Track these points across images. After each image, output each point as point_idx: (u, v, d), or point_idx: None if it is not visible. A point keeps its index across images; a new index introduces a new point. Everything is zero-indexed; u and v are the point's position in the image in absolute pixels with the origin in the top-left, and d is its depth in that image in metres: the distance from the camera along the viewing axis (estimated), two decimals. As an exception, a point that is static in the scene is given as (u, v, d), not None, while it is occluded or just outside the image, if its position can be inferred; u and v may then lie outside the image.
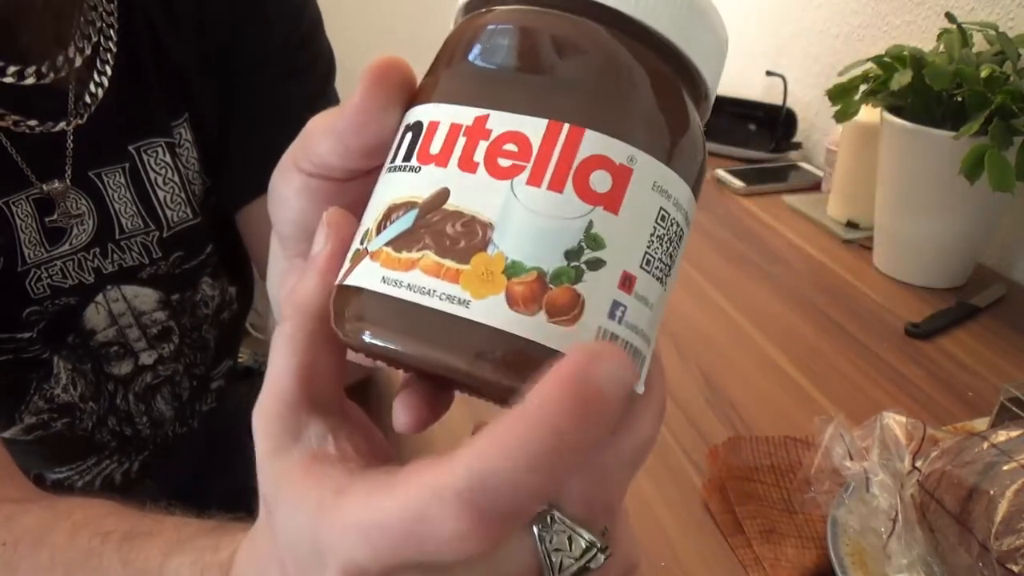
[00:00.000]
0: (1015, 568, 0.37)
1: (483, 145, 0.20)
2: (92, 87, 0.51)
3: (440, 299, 0.19)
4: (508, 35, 0.21)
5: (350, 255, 0.21)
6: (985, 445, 0.43)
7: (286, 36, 0.58)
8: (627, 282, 0.20)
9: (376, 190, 0.22)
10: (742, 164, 1.13)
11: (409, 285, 0.19)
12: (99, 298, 0.54)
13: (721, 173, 1.08)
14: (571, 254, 0.19)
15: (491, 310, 0.18)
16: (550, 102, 0.20)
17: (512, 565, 0.20)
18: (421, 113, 0.21)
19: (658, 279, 0.21)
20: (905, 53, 0.74)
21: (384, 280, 0.19)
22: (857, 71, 0.79)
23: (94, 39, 0.51)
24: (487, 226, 0.19)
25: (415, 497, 0.18)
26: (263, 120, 0.58)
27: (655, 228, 0.20)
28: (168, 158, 0.55)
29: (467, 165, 0.19)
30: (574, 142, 0.19)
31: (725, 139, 1.19)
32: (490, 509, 0.17)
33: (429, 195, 0.20)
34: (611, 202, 0.19)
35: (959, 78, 0.70)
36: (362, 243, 0.21)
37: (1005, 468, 0.41)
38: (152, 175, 0.55)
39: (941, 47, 0.76)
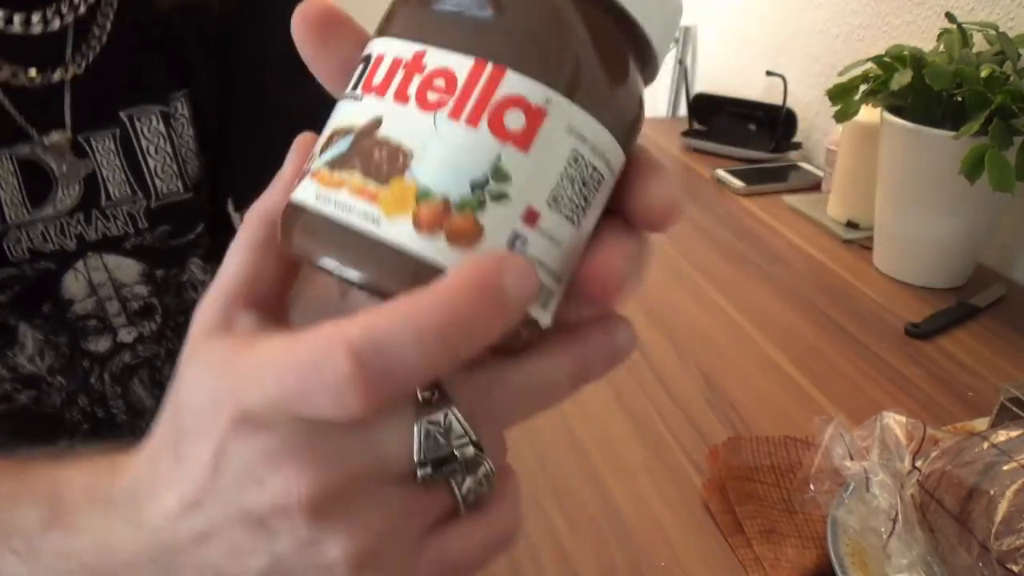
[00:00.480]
0: (1015, 568, 0.37)
1: (416, 79, 0.21)
2: (91, 40, 0.51)
3: (357, 217, 0.21)
4: None
5: (301, 175, 0.23)
6: (985, 445, 0.43)
7: (289, 40, 0.58)
8: (530, 217, 0.21)
9: (330, 116, 0.23)
10: (742, 164, 1.13)
11: (336, 202, 0.21)
12: (79, 265, 0.53)
13: (721, 173, 1.08)
14: (476, 185, 0.20)
15: (398, 230, 0.20)
16: (481, 42, 0.21)
17: (387, 440, 0.21)
18: (373, 46, 0.23)
19: (568, 218, 0.22)
20: (905, 53, 0.74)
21: (317, 197, 0.22)
22: (857, 71, 0.79)
23: None
24: (408, 155, 0.21)
25: (309, 347, 0.20)
26: (264, 122, 0.58)
27: (566, 169, 0.21)
28: (162, 127, 0.54)
29: (401, 97, 0.21)
30: (495, 80, 0.21)
31: (725, 139, 1.19)
32: (376, 369, 0.19)
33: (364, 122, 0.22)
34: (521, 140, 0.21)
35: (959, 78, 0.70)
36: (308, 163, 0.23)
37: (1005, 468, 0.41)
38: (144, 143, 0.54)
39: (941, 47, 0.76)
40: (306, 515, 0.21)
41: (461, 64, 0.21)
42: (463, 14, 0.22)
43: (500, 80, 0.21)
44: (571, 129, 0.21)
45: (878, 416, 0.47)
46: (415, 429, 0.21)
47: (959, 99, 0.73)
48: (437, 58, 0.21)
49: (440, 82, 0.21)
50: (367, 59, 0.23)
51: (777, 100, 1.16)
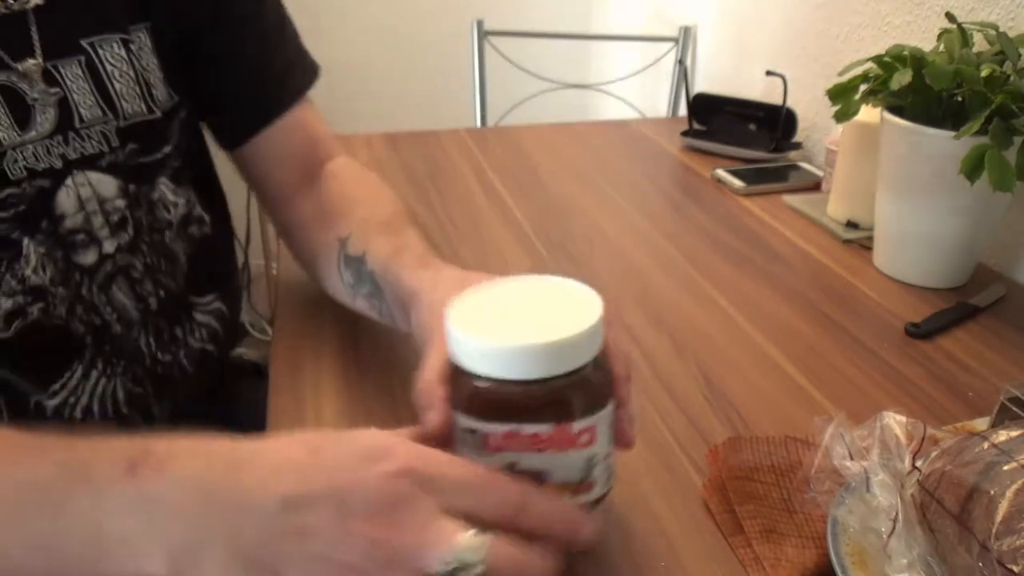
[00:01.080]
0: (1015, 568, 0.37)
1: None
2: None
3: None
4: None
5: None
6: (985, 445, 0.43)
7: None
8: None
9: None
10: (742, 164, 1.13)
11: None
12: (68, 182, 0.58)
13: (721, 173, 1.08)
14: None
15: None
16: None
17: (446, 525, 0.36)
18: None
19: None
20: (905, 53, 0.74)
21: None
22: (857, 71, 0.79)
23: None
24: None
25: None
26: (238, 63, 0.68)
27: (593, 456, 0.44)
28: (123, 52, 0.60)
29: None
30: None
31: (725, 139, 1.19)
32: (527, 504, 0.39)
33: (504, 465, 0.42)
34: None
35: (959, 78, 0.70)
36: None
37: (1005, 468, 0.41)
38: (109, 67, 0.59)
39: (941, 47, 0.76)
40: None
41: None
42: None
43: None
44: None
45: (878, 416, 0.47)
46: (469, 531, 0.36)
47: (959, 99, 0.73)
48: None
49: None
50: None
51: (777, 100, 1.16)
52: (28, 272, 0.57)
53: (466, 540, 0.34)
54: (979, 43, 0.77)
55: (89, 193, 0.59)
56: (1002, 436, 0.43)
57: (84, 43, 0.58)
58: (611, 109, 1.79)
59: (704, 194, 1.04)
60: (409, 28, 2.04)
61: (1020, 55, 0.73)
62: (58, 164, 0.57)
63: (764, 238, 0.91)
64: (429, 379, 0.44)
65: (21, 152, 0.55)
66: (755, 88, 1.33)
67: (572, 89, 1.78)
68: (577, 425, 0.40)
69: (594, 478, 0.43)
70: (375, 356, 0.67)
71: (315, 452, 0.38)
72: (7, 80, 0.54)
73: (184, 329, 0.71)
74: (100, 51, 0.59)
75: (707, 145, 1.19)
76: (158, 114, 0.63)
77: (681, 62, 1.55)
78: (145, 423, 0.68)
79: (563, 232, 0.91)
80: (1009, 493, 0.39)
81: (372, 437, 0.39)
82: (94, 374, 0.63)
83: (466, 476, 0.37)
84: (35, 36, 0.55)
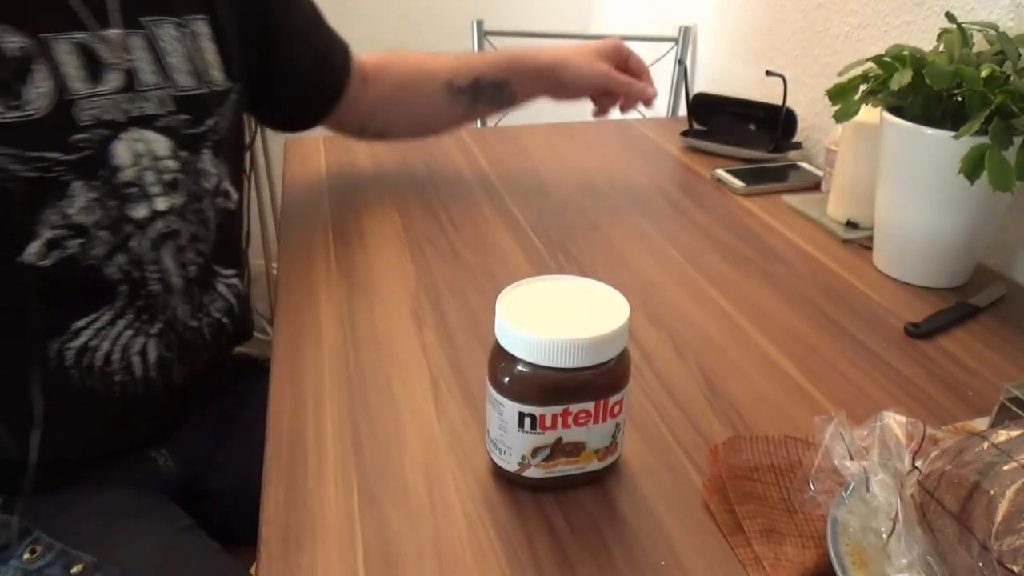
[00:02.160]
0: (1015, 568, 0.37)
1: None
2: None
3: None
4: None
5: (517, 462, 0.51)
6: (985, 445, 0.43)
7: None
8: None
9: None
10: (742, 164, 1.13)
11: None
12: (125, 135, 0.65)
13: (721, 173, 1.08)
14: None
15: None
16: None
17: None
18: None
19: None
20: (905, 53, 0.74)
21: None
22: (857, 71, 0.79)
23: None
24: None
25: None
26: (300, 60, 0.87)
27: None
28: (176, 33, 0.70)
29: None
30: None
31: (725, 139, 1.19)
32: None
33: (553, 440, 0.50)
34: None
35: (959, 78, 0.70)
36: (523, 461, 0.51)
37: (1005, 468, 0.41)
38: (163, 44, 0.69)
39: (941, 47, 0.76)
40: None
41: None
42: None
43: None
44: None
45: (878, 416, 0.47)
46: None
47: (959, 99, 0.73)
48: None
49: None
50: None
51: (777, 100, 1.16)
52: (72, 211, 0.63)
53: None
54: (979, 43, 0.77)
55: (143, 149, 0.67)
56: (1002, 436, 0.43)
57: (144, 20, 0.68)
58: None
59: (704, 194, 1.04)
60: (409, 28, 2.04)
61: (1020, 55, 0.73)
62: (121, 118, 0.65)
63: (764, 238, 0.91)
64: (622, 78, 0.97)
65: (91, 102, 0.63)
66: (755, 88, 1.33)
67: (572, 89, 1.78)
68: (612, 400, 0.49)
69: (619, 441, 0.52)
70: (375, 355, 0.67)
71: None
72: (85, 41, 0.63)
73: (209, 298, 0.77)
74: (156, 29, 0.68)
75: (707, 145, 1.19)
76: (206, 90, 0.72)
77: (681, 62, 1.55)
78: (165, 389, 0.73)
79: (563, 232, 0.91)
80: (1009, 493, 0.39)
81: None
82: (121, 323, 0.68)
83: None
84: (116, 11, 0.65)
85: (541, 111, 1.68)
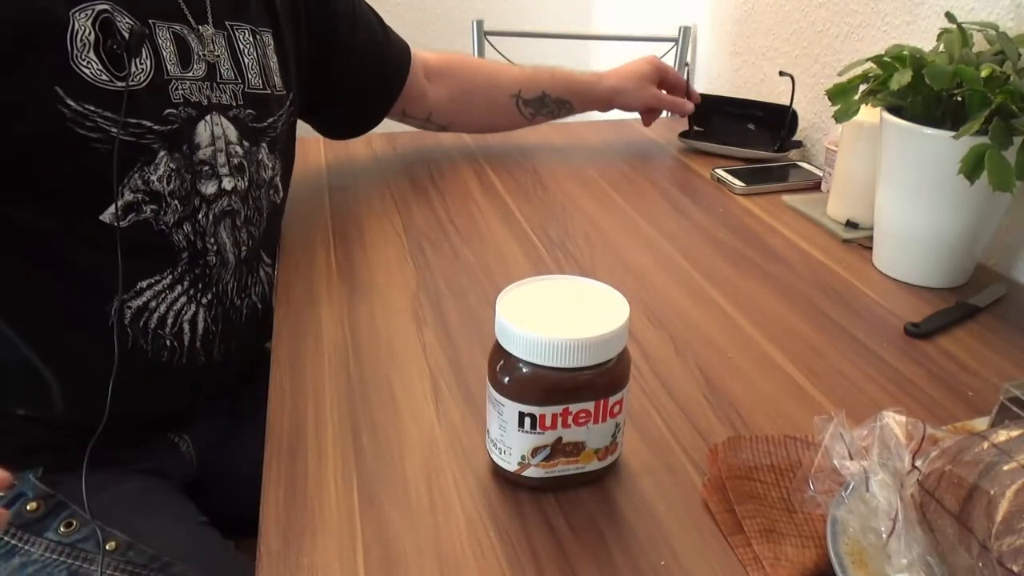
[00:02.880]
0: (1015, 568, 0.37)
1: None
2: None
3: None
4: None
5: (517, 461, 0.51)
6: (985, 445, 0.43)
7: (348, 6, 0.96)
8: None
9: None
10: (742, 164, 1.13)
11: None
12: (207, 118, 0.73)
13: (721, 173, 1.08)
14: None
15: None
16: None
17: None
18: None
19: None
20: (905, 53, 0.74)
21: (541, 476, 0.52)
22: (857, 71, 0.79)
23: None
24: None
25: None
26: (354, 72, 0.98)
27: None
28: (251, 39, 0.79)
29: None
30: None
31: (724, 139, 1.19)
32: None
33: (553, 440, 0.50)
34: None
35: (959, 78, 0.70)
36: (523, 461, 0.51)
37: (1005, 468, 0.41)
38: (240, 46, 0.78)
39: (941, 47, 0.76)
40: None
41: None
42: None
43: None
44: None
45: (878, 416, 0.47)
46: None
47: (959, 99, 0.73)
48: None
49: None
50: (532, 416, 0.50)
51: (776, 100, 1.16)
52: (154, 179, 0.69)
53: None
54: (979, 43, 0.77)
55: (220, 132, 0.74)
56: (1002, 436, 0.43)
57: (228, 23, 0.76)
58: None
59: (704, 194, 1.04)
60: (409, 28, 2.03)
61: (1020, 55, 0.73)
62: (204, 102, 0.72)
63: (764, 238, 0.91)
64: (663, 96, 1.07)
65: (181, 84, 0.70)
66: (755, 88, 1.33)
67: (572, 89, 1.78)
68: (612, 400, 0.50)
69: (619, 441, 0.52)
70: (375, 355, 0.67)
71: None
72: (180, 31, 0.71)
73: (253, 279, 0.82)
74: (236, 32, 0.77)
75: (706, 145, 1.19)
76: (269, 92, 0.80)
77: (681, 62, 1.55)
78: (205, 365, 0.78)
79: (563, 232, 0.91)
80: (1009, 493, 0.39)
81: None
82: (178, 289, 0.73)
83: None
84: (207, 10, 0.74)
85: (541, 111, 1.68)
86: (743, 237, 0.91)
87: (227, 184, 0.75)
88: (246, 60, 0.78)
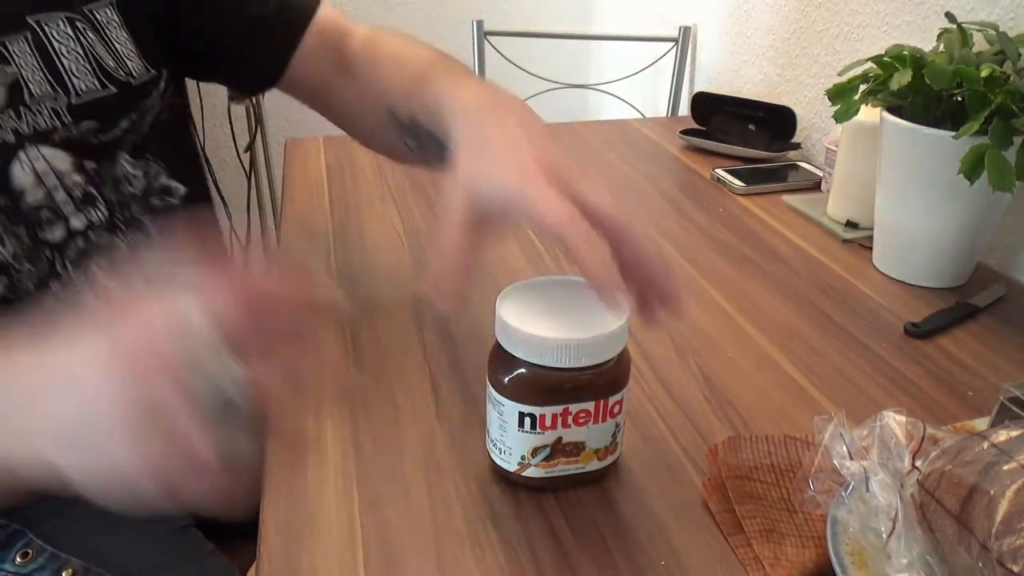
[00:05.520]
0: (1015, 568, 0.37)
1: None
2: None
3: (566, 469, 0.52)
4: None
5: (517, 462, 0.51)
6: (985, 445, 0.43)
7: None
8: None
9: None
10: (742, 164, 1.13)
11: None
12: (22, 156, 0.58)
13: (721, 173, 1.08)
14: None
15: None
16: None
17: None
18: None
19: None
20: (905, 53, 0.74)
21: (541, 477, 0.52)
22: (857, 71, 0.79)
23: None
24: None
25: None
26: (233, 24, 0.71)
27: None
28: (69, 30, 0.60)
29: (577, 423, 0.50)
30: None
31: (725, 138, 1.19)
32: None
33: (553, 440, 0.50)
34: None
35: (959, 78, 0.70)
36: (523, 461, 0.51)
37: (1005, 468, 0.41)
38: (56, 44, 0.59)
39: (941, 47, 0.76)
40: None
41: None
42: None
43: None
44: None
45: (878, 416, 0.47)
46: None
47: (959, 99, 0.73)
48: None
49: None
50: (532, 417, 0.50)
51: (776, 100, 1.16)
52: None
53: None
54: (979, 43, 0.77)
55: (45, 167, 0.59)
56: (1002, 436, 0.43)
57: (30, 20, 0.58)
58: (611, 109, 1.79)
59: (704, 194, 1.04)
60: (409, 28, 2.03)
61: (1020, 55, 0.73)
62: (11, 138, 0.57)
63: (764, 238, 0.91)
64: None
65: None
66: (755, 88, 1.33)
67: (572, 89, 1.78)
68: (612, 400, 0.49)
69: (619, 441, 0.52)
70: (375, 355, 0.67)
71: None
72: None
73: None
74: (46, 27, 0.59)
75: (707, 144, 1.19)
76: (113, 90, 0.63)
77: (681, 61, 1.55)
78: None
79: (563, 232, 0.91)
80: (1009, 493, 0.39)
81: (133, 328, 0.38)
82: None
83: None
84: None
85: (541, 111, 1.68)
86: (743, 237, 0.91)
87: (77, 223, 0.62)
88: (66, 61, 0.60)
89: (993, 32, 0.75)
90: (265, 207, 1.99)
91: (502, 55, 1.64)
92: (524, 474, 0.51)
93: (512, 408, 0.49)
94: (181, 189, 0.72)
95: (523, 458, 0.50)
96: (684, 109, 1.56)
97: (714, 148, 1.18)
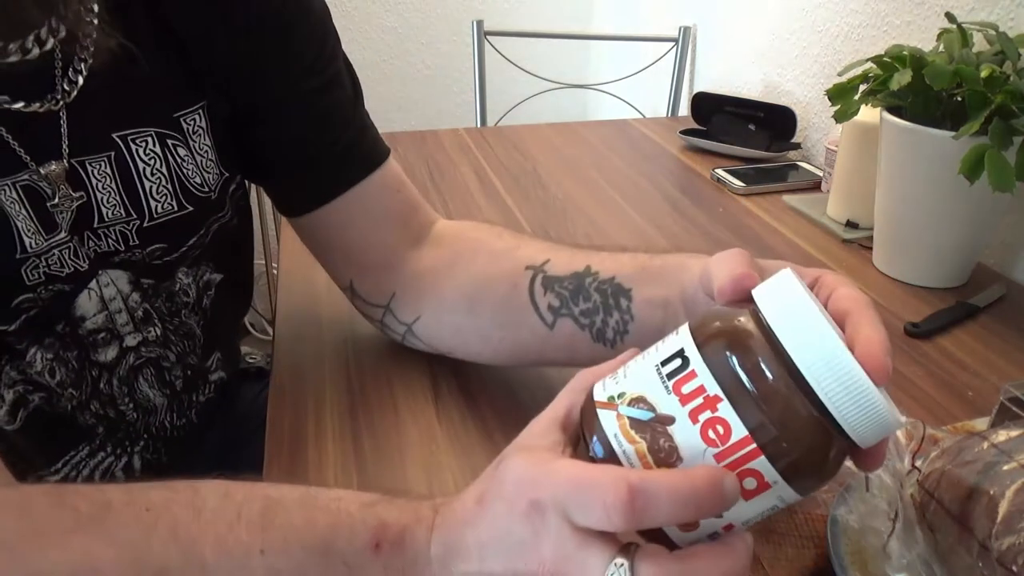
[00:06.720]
0: (1015, 568, 0.37)
1: (708, 414, 0.32)
2: (77, 63, 0.50)
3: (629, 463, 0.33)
4: (764, 364, 0.32)
5: (607, 393, 0.35)
6: (985, 445, 0.43)
7: (315, 57, 0.59)
8: (727, 528, 0.33)
9: (643, 363, 0.35)
10: (742, 164, 1.13)
11: (624, 451, 0.33)
12: (92, 284, 0.55)
13: (721, 173, 1.08)
14: None
15: None
16: (759, 427, 0.31)
17: (596, 555, 0.32)
18: (693, 354, 0.33)
19: (747, 524, 0.34)
20: (905, 53, 0.74)
21: (615, 436, 0.34)
22: (857, 71, 0.79)
23: (75, 6, 0.49)
24: (680, 459, 0.32)
25: (601, 475, 0.31)
26: (312, 131, 0.59)
27: (763, 513, 0.34)
28: (157, 148, 0.54)
29: (693, 418, 0.32)
30: (751, 456, 0.32)
31: (725, 138, 1.19)
32: (640, 504, 0.30)
33: (664, 412, 0.33)
34: (747, 495, 0.32)
35: (959, 78, 0.70)
36: (619, 398, 0.35)
37: (1005, 468, 0.41)
38: (140, 165, 0.54)
39: (941, 47, 0.76)
40: None
41: (738, 428, 0.31)
42: (757, 392, 0.31)
43: (755, 458, 0.31)
44: (779, 497, 0.33)
45: (878, 416, 0.46)
46: (613, 560, 0.32)
47: (959, 99, 0.73)
48: (726, 410, 0.32)
49: (720, 429, 0.32)
50: (685, 360, 0.33)
51: (776, 100, 1.16)
52: (32, 373, 0.54)
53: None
54: (979, 43, 0.77)
55: (113, 292, 0.56)
56: (1002, 436, 0.43)
57: (116, 136, 0.52)
58: (611, 109, 1.79)
59: (704, 194, 1.04)
60: (409, 28, 2.04)
61: (1020, 55, 0.73)
62: (83, 266, 0.53)
63: (764, 238, 0.91)
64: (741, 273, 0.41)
65: (46, 258, 0.51)
66: (755, 88, 1.33)
67: (572, 89, 1.78)
68: (764, 464, 0.33)
69: None
70: (375, 355, 0.67)
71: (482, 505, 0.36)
72: (31, 181, 0.49)
73: (197, 392, 0.68)
74: (132, 145, 0.53)
75: (707, 144, 1.19)
76: (189, 209, 0.57)
77: (681, 62, 1.55)
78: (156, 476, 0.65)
79: (563, 232, 0.91)
80: (1009, 493, 0.39)
81: (516, 473, 0.35)
82: (101, 455, 0.61)
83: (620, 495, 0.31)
84: (64, 135, 0.50)
85: (541, 111, 1.69)
86: (743, 237, 0.91)
87: (131, 341, 0.58)
88: (148, 183, 0.54)
89: (993, 32, 0.75)
90: (265, 207, 1.99)
91: (502, 55, 1.64)
92: (600, 410, 0.36)
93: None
94: (218, 278, 0.65)
95: (621, 395, 0.35)
96: (684, 109, 1.56)
97: (714, 148, 1.18)
